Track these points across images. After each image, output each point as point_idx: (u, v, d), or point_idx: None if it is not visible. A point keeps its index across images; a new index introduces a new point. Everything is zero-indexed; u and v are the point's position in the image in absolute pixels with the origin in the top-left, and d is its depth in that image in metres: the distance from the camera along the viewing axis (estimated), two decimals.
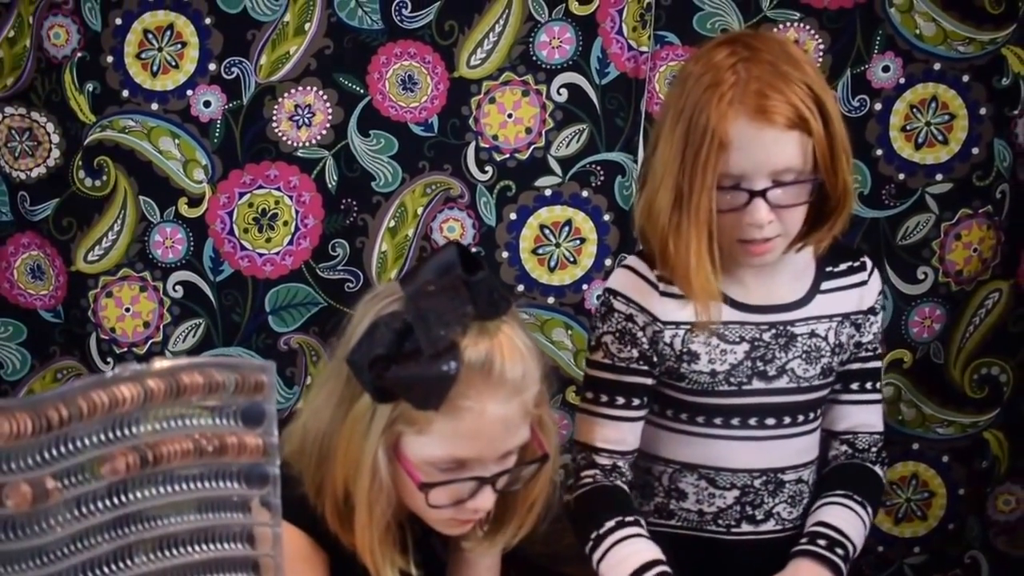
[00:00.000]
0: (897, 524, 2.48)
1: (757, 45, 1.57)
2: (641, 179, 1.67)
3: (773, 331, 1.68)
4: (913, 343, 2.41)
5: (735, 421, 1.70)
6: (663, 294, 1.67)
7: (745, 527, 1.75)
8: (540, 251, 2.45)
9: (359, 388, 1.41)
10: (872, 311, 1.75)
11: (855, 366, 1.77)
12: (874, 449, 1.80)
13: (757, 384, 1.68)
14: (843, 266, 1.74)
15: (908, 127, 2.37)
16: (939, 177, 2.37)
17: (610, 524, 1.65)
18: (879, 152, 2.38)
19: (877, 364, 1.80)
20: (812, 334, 1.70)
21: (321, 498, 1.47)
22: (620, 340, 1.69)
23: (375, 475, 1.42)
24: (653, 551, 1.63)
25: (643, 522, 1.68)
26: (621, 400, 1.71)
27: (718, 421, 1.70)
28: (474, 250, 2.41)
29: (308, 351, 2.48)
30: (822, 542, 1.67)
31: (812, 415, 1.74)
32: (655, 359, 1.69)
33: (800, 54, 1.60)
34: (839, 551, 1.66)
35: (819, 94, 1.54)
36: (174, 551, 1.14)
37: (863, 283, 1.74)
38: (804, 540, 1.69)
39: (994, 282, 2.39)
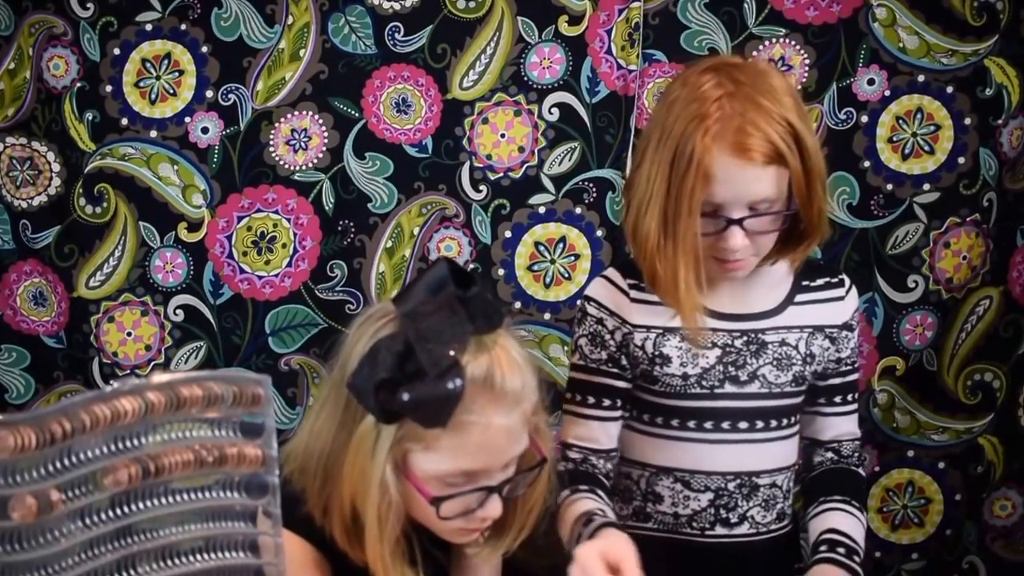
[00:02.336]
0: (894, 531, 2.49)
1: (741, 78, 1.60)
2: (627, 193, 1.71)
3: (744, 338, 1.73)
4: (906, 351, 2.43)
5: (708, 424, 1.73)
6: (633, 300, 1.73)
7: (719, 530, 1.77)
8: (535, 267, 2.46)
9: (360, 410, 1.41)
10: (848, 327, 1.79)
11: (836, 381, 1.81)
12: (856, 454, 1.84)
13: (729, 388, 1.72)
14: (820, 281, 1.78)
15: (895, 138, 2.39)
16: (926, 187, 2.39)
17: (565, 494, 1.70)
18: (867, 163, 2.40)
19: (856, 376, 1.83)
20: (783, 343, 1.73)
21: (328, 517, 1.48)
22: (592, 343, 1.75)
23: (384, 493, 1.42)
24: (591, 504, 1.67)
25: (600, 491, 1.72)
26: (592, 400, 1.76)
27: (691, 424, 1.74)
28: (471, 267, 2.43)
29: (309, 372, 2.49)
30: (841, 550, 1.69)
31: (786, 421, 1.77)
32: (624, 362, 1.75)
33: (781, 84, 1.62)
34: (856, 559, 1.69)
35: (797, 128, 1.58)
36: (177, 561, 1.14)
37: (839, 299, 1.78)
38: (823, 548, 1.70)
39: (984, 289, 2.41)
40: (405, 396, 1.35)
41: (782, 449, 1.78)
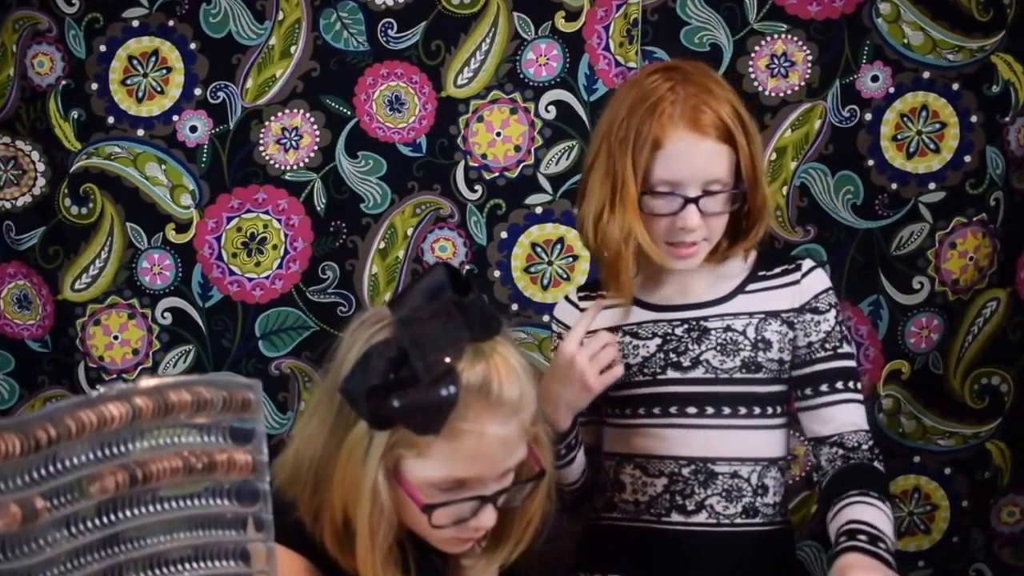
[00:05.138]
0: (900, 538, 2.46)
1: (688, 69, 1.76)
2: (580, 203, 1.82)
3: (685, 326, 1.82)
4: (911, 354, 2.41)
5: (656, 410, 1.81)
6: (583, 310, 1.86)
7: (676, 517, 1.81)
8: (532, 269, 2.45)
9: (353, 416, 1.40)
10: (812, 310, 1.81)
11: (818, 367, 1.81)
12: (865, 446, 1.80)
13: (672, 374, 1.81)
14: (777, 269, 1.85)
15: (899, 136, 2.37)
16: (932, 186, 2.37)
17: None
18: (871, 162, 2.38)
19: (844, 364, 1.82)
20: (728, 328, 1.80)
21: (319, 524, 1.46)
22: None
23: (376, 500, 1.41)
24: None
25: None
26: None
27: (641, 411, 1.83)
28: (467, 268, 2.42)
29: (300, 376, 2.47)
30: (863, 537, 1.66)
31: (744, 410, 1.80)
32: None
33: (722, 80, 1.79)
34: (882, 545, 1.66)
35: (741, 113, 1.73)
36: (165, 570, 1.13)
37: (794, 283, 1.82)
38: (843, 539, 1.67)
39: (991, 290, 2.38)
40: (396, 402, 1.34)
41: (742, 439, 1.81)
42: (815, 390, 1.81)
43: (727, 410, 1.80)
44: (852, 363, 1.84)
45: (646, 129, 1.69)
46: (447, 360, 1.35)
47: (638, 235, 1.72)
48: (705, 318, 1.81)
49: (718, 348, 1.79)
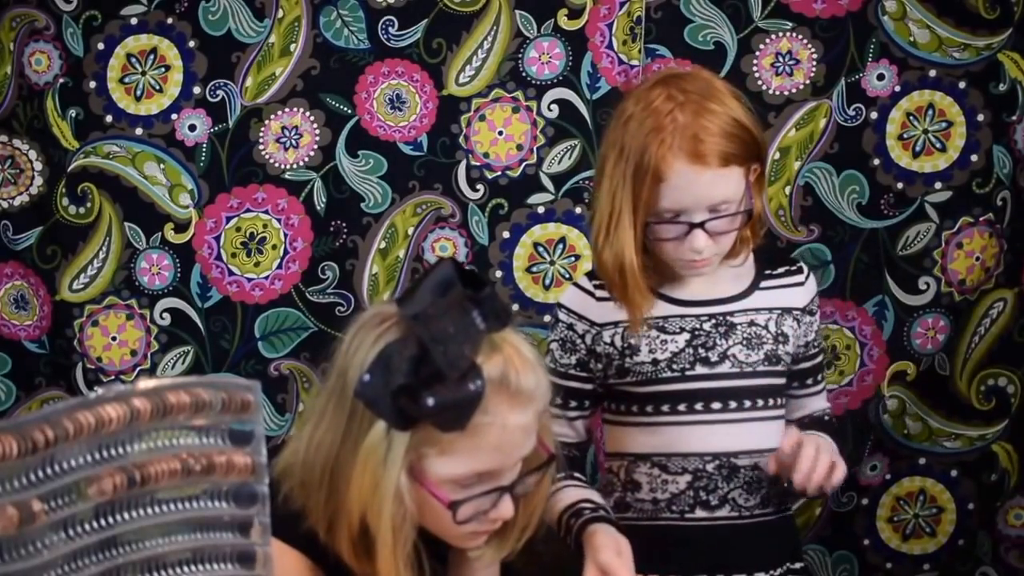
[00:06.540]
0: (906, 541, 2.45)
1: (688, 87, 1.75)
2: (591, 213, 1.86)
3: (713, 321, 1.84)
4: (917, 355, 2.39)
5: (681, 407, 1.82)
6: (599, 299, 1.85)
7: (699, 512, 1.83)
8: (534, 269, 2.43)
9: (367, 419, 1.39)
10: (809, 311, 1.91)
11: (805, 365, 1.93)
12: (826, 417, 1.99)
13: (700, 370, 1.82)
14: (780, 269, 1.91)
15: (905, 135, 2.36)
16: (938, 185, 2.36)
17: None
18: (876, 161, 2.37)
19: (820, 359, 1.98)
20: (752, 323, 1.84)
21: (333, 533, 1.45)
22: (562, 347, 1.88)
23: (400, 502, 1.41)
24: (575, 494, 1.80)
25: (576, 475, 1.87)
26: (559, 401, 1.86)
27: (665, 408, 1.82)
28: (467, 268, 2.39)
29: (299, 377, 2.46)
30: (806, 419, 1.92)
31: (762, 403, 1.84)
32: (592, 364, 1.87)
33: (724, 87, 1.78)
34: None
35: (745, 123, 1.74)
36: (163, 573, 1.12)
37: (800, 284, 1.91)
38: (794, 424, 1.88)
39: (998, 291, 2.37)
40: (430, 401, 1.33)
41: (761, 430, 1.85)
42: (801, 383, 1.94)
43: (748, 403, 1.83)
44: (823, 357, 2.01)
45: (646, 160, 1.70)
46: (469, 354, 1.35)
47: (627, 266, 1.74)
48: (731, 313, 1.84)
49: (744, 342, 1.83)
